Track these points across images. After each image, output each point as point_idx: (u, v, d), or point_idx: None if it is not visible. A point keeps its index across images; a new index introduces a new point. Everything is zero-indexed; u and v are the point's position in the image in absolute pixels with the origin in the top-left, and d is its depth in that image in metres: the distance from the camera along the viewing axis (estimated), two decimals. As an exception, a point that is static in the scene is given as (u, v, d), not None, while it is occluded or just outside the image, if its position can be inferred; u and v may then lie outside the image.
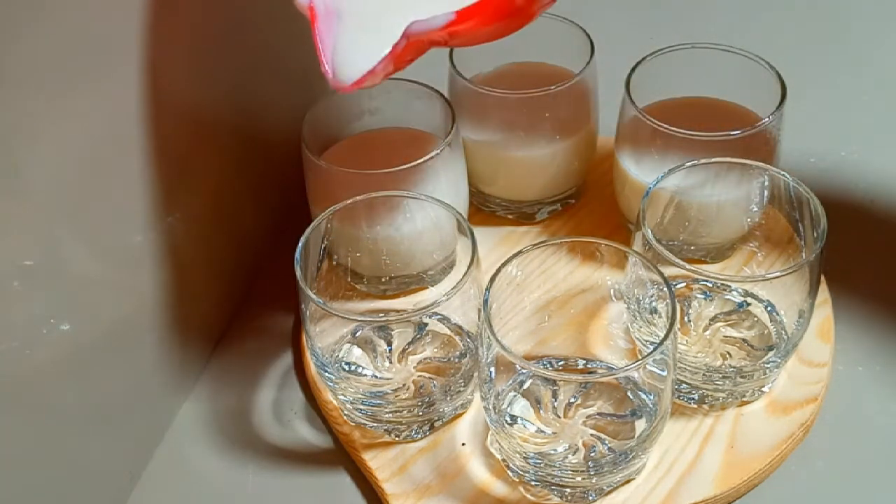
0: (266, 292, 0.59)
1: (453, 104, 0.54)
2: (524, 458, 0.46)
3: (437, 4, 0.42)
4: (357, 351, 0.50)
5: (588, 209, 0.61)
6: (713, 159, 0.50)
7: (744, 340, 0.50)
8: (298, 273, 0.45)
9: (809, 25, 0.76)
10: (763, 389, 0.50)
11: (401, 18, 0.42)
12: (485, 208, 0.61)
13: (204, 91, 0.52)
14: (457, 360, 0.49)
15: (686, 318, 0.51)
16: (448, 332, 0.50)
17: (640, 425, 0.46)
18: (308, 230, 0.47)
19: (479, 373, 0.46)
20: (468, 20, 0.41)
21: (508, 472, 0.48)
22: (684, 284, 0.52)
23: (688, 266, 0.46)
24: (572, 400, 0.48)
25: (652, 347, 0.43)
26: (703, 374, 0.48)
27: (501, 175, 0.59)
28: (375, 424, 0.49)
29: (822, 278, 0.54)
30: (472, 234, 0.46)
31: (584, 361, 0.50)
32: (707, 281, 0.51)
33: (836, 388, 0.51)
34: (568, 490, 0.46)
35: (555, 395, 0.48)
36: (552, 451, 0.46)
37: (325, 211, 0.48)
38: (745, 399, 0.50)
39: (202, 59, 0.51)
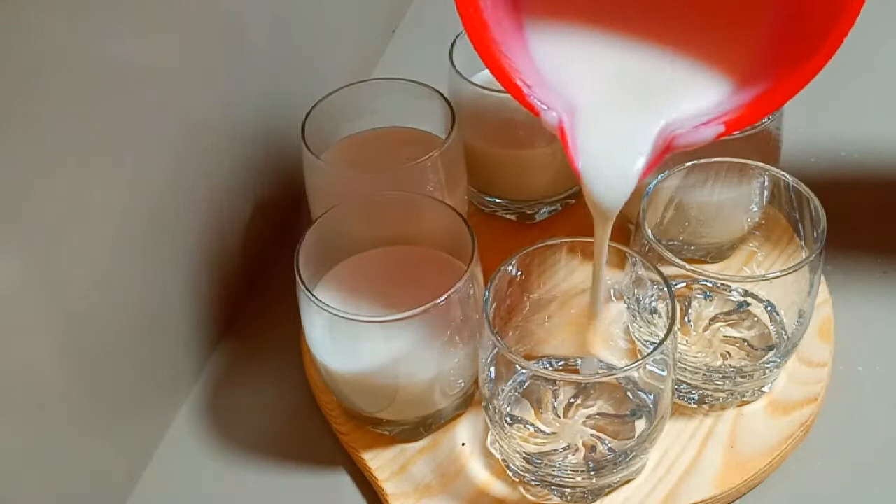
0: (266, 292, 0.59)
1: (453, 104, 0.54)
2: (524, 458, 0.46)
3: (665, 82, 0.41)
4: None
5: (588, 209, 0.61)
6: (713, 159, 0.50)
7: (744, 340, 0.50)
8: (299, 275, 0.45)
9: (809, 25, 0.76)
10: (763, 389, 0.50)
11: (641, 106, 0.41)
12: (485, 208, 0.61)
13: (204, 91, 0.52)
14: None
15: (686, 318, 0.51)
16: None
17: (640, 425, 0.46)
18: (308, 230, 0.47)
19: (479, 373, 0.46)
20: (737, 128, 0.39)
21: (508, 472, 0.48)
22: (684, 284, 0.52)
23: (688, 266, 0.46)
24: (572, 400, 0.48)
25: (652, 347, 0.43)
26: (703, 374, 0.48)
27: (501, 175, 0.59)
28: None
29: (822, 278, 0.54)
30: (472, 234, 0.46)
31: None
32: (707, 281, 0.51)
33: (836, 388, 0.51)
34: (568, 490, 0.46)
35: (555, 395, 0.48)
36: (552, 451, 0.46)
37: (326, 211, 0.48)
38: (745, 399, 0.50)
39: (202, 60, 0.52)
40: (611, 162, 0.41)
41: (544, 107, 0.40)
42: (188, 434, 0.53)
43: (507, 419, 0.47)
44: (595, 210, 0.42)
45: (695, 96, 0.41)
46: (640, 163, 0.40)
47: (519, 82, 0.40)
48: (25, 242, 0.40)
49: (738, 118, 0.39)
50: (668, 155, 0.40)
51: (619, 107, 0.41)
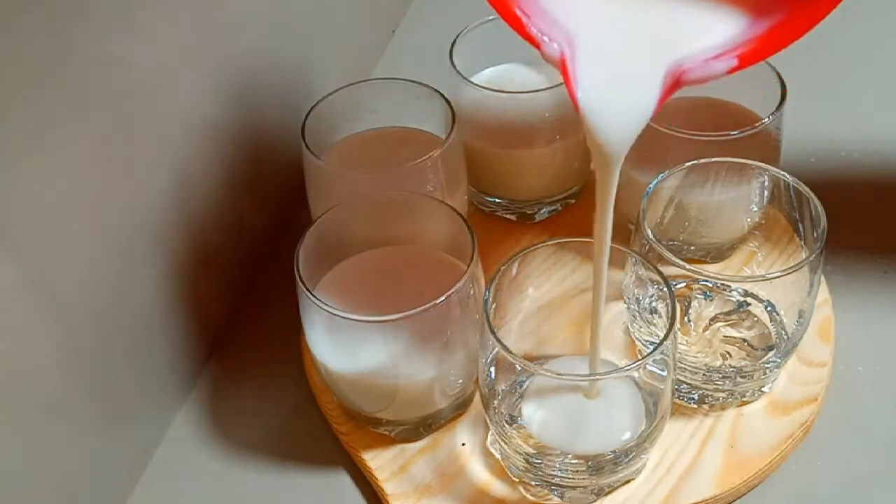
0: (266, 292, 0.59)
1: (453, 104, 0.54)
2: (524, 458, 0.46)
3: (675, 13, 0.38)
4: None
5: (588, 209, 0.60)
6: (713, 159, 0.50)
7: (744, 340, 0.50)
8: (299, 275, 0.45)
9: (809, 25, 0.76)
10: (763, 389, 0.50)
11: (649, 38, 0.38)
12: (485, 208, 0.61)
13: (204, 91, 0.52)
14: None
15: (686, 318, 0.51)
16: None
17: (641, 425, 0.46)
18: (308, 230, 0.47)
19: (479, 373, 0.46)
20: (752, 62, 0.37)
21: (508, 472, 0.48)
22: (684, 284, 0.52)
23: (688, 266, 0.46)
24: (572, 400, 0.48)
25: (652, 347, 0.43)
26: (703, 374, 0.48)
27: (501, 175, 0.59)
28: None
29: (822, 278, 0.54)
30: (472, 234, 0.46)
31: (584, 361, 0.50)
32: (707, 281, 0.51)
33: (836, 388, 0.51)
34: (568, 490, 0.46)
35: (555, 395, 0.48)
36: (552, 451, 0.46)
37: (326, 211, 0.48)
38: (745, 399, 0.50)
39: (202, 60, 0.52)
40: (616, 97, 0.38)
41: (545, 38, 0.38)
42: (188, 434, 0.53)
43: (507, 419, 0.47)
44: (598, 153, 0.39)
45: (706, 28, 0.39)
46: (648, 98, 0.38)
47: (518, 12, 0.38)
48: (24, 241, 0.40)
49: (752, 51, 0.37)
50: (676, 91, 0.38)
51: (625, 39, 0.39)
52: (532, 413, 0.47)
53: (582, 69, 0.38)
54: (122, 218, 0.46)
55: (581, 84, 0.38)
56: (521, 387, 0.48)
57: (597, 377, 0.48)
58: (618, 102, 0.38)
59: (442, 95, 0.54)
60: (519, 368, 0.44)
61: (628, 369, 0.47)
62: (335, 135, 0.56)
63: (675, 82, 0.38)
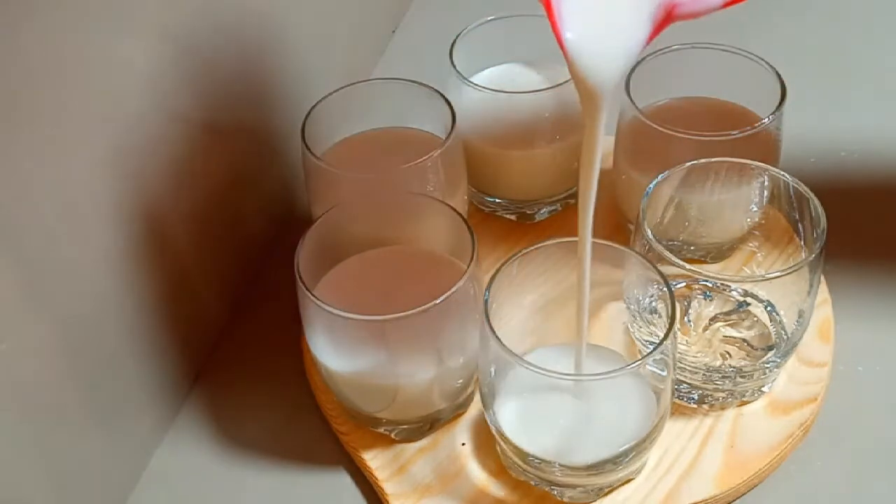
0: (266, 292, 0.59)
1: (453, 104, 0.54)
2: (524, 458, 0.46)
3: None
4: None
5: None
6: (713, 159, 0.50)
7: (744, 340, 0.50)
8: (299, 275, 0.45)
9: (809, 25, 0.76)
10: (763, 389, 0.50)
11: None
12: (485, 208, 0.61)
13: (203, 91, 0.52)
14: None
15: (686, 318, 0.51)
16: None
17: (643, 429, 0.46)
18: (308, 230, 0.47)
19: (479, 372, 0.46)
20: None
21: (509, 471, 0.48)
22: (684, 284, 0.52)
23: (688, 266, 0.46)
24: (572, 400, 0.47)
25: (652, 347, 0.43)
26: (703, 374, 0.48)
27: (502, 175, 0.59)
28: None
29: (822, 278, 0.54)
30: (472, 234, 0.46)
31: (584, 361, 0.50)
32: (707, 281, 0.51)
33: (836, 388, 0.51)
34: (568, 489, 0.46)
35: (555, 395, 0.48)
36: (552, 451, 0.46)
37: (326, 211, 0.48)
38: (744, 399, 0.50)
39: (202, 60, 0.52)
40: (603, 34, 0.36)
41: None
42: (188, 434, 0.53)
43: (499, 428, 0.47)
44: (584, 91, 0.37)
45: None
46: (638, 35, 0.36)
47: None
48: (25, 242, 0.40)
49: None
50: (668, 26, 0.36)
51: None
52: (520, 420, 0.46)
53: (569, 6, 0.36)
54: (122, 218, 0.46)
55: (566, 20, 0.36)
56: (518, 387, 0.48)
57: (595, 378, 0.48)
58: (606, 40, 0.36)
59: (442, 95, 0.54)
60: (519, 368, 0.44)
61: (626, 369, 0.47)
62: (335, 135, 0.56)
63: (667, 16, 0.36)
